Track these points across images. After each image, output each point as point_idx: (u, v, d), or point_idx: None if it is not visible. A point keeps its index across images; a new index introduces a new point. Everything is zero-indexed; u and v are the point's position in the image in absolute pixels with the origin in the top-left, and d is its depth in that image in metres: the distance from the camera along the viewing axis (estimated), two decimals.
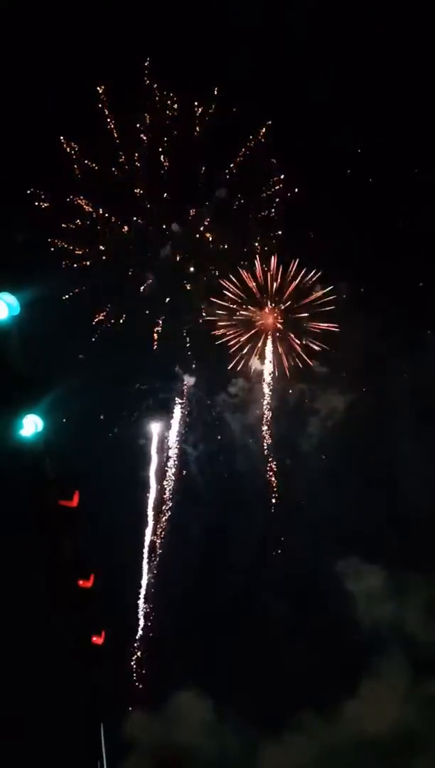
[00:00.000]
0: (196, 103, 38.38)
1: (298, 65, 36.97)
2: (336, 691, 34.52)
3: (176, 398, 39.01)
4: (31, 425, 21.39)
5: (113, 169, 38.39)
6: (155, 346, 38.68)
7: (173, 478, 38.02)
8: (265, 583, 36.72)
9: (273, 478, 38.51)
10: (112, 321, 38.14)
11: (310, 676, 34.14)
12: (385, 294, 38.44)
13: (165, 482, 37.88)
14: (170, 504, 37.64)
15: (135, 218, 38.89)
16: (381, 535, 36.57)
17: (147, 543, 36.46)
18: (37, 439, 21.87)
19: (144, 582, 35.93)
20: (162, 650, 34.88)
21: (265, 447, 39.01)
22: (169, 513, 37.52)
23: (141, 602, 35.65)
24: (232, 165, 38.64)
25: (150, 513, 37.04)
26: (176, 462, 38.28)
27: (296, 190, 39.02)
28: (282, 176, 39.06)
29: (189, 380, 39.24)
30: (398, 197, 37.70)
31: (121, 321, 38.40)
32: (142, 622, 35.57)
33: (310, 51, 37.16)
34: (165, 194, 38.99)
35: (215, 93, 38.19)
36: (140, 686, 35.40)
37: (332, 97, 36.80)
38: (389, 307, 38.14)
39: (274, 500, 38.39)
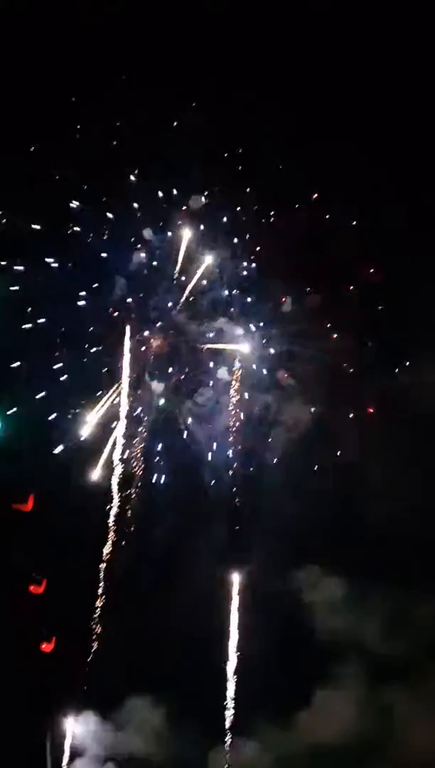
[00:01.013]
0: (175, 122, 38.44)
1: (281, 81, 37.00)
2: (291, 700, 34.60)
3: (141, 406, 38.91)
4: None
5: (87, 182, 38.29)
6: (127, 355, 38.52)
7: (135, 487, 37.83)
8: (223, 590, 36.55)
9: (235, 491, 38.46)
10: (78, 326, 37.94)
11: (266, 686, 34.19)
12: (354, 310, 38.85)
13: (127, 491, 37.63)
14: (130, 512, 37.40)
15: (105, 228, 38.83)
16: (341, 546, 36.63)
17: (105, 551, 36.10)
18: None
19: (100, 590, 35.50)
20: (115, 657, 34.45)
21: (230, 458, 39.01)
22: (130, 521, 37.27)
23: (96, 609, 35.23)
24: (209, 187, 38.86)
25: (110, 521, 36.72)
26: (139, 471, 38.11)
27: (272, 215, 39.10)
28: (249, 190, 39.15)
29: (157, 386, 39.19)
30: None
31: (90, 328, 38.18)
32: (95, 630, 35.14)
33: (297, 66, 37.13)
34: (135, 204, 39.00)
35: (193, 105, 38.36)
36: (90, 692, 34.91)
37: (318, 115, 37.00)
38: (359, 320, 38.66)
39: (236, 512, 38.30)
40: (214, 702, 34.20)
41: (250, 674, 35.19)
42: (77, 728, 32.75)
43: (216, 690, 34.44)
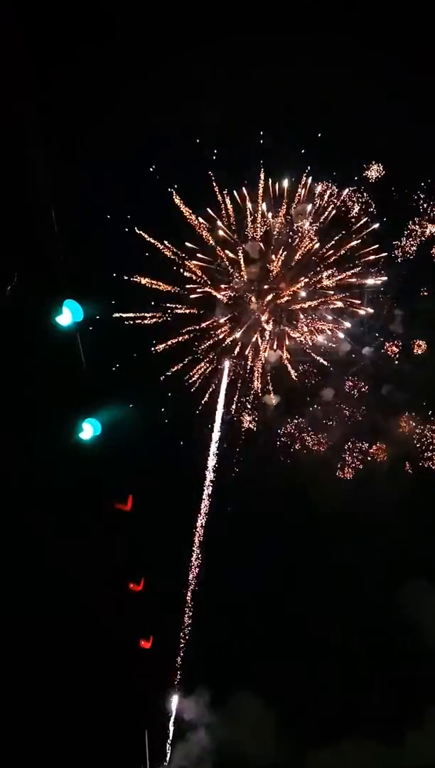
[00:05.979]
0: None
1: None
2: (400, 719, 33.47)
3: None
4: (89, 429, 22.21)
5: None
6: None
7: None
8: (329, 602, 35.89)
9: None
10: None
11: (373, 704, 33.28)
12: None
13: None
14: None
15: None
16: None
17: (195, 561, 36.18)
18: (95, 443, 22.65)
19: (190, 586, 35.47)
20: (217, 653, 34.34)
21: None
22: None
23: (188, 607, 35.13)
24: None
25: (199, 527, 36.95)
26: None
27: None
28: None
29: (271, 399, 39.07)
30: None
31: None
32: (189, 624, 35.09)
33: None
34: None
35: None
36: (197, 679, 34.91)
37: None
38: None
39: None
40: (322, 711, 33.62)
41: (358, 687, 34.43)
42: (183, 712, 33.37)
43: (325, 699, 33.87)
